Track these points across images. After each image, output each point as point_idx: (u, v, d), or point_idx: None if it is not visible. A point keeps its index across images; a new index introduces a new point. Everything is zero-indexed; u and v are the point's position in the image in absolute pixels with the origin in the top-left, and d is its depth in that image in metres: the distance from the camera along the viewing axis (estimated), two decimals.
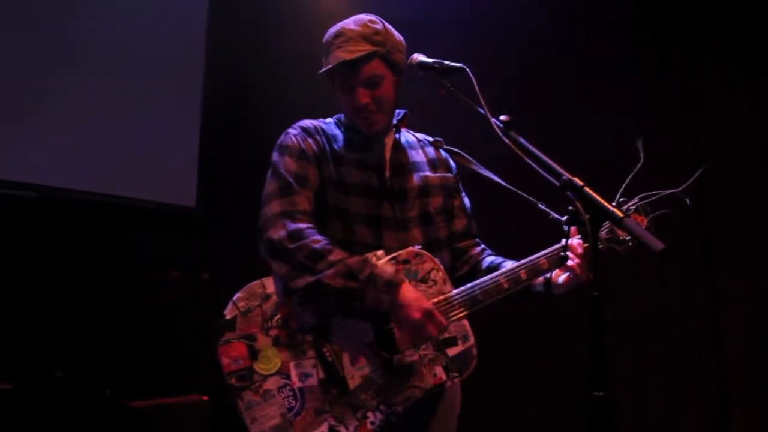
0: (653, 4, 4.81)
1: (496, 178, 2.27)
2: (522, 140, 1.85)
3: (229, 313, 2.09)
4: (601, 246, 2.09)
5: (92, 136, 3.80)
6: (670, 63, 4.82)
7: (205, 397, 3.48)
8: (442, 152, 2.45)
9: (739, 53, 4.68)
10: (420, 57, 2.23)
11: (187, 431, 3.44)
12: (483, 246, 2.44)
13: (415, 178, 2.31)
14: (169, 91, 4.11)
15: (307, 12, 4.41)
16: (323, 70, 2.23)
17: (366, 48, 2.17)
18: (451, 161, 2.45)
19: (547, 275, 2.18)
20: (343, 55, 2.16)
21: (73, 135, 3.74)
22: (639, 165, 2.04)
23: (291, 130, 2.28)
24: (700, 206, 4.56)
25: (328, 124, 2.34)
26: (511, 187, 2.18)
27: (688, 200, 2.06)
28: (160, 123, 4.04)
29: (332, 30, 2.26)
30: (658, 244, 1.44)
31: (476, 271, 2.31)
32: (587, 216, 1.61)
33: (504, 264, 2.26)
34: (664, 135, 4.58)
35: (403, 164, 2.32)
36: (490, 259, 2.35)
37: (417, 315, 1.99)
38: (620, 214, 1.54)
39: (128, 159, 3.88)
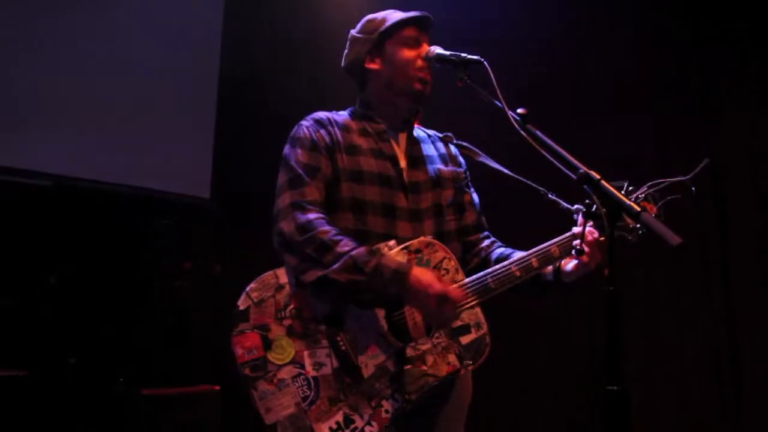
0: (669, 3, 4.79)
1: (506, 170, 2.28)
2: (539, 133, 1.85)
3: (242, 303, 2.10)
4: (582, 261, 2.10)
5: (109, 127, 3.84)
6: (687, 61, 4.80)
7: (217, 387, 3.50)
8: (452, 148, 2.47)
9: (757, 52, 4.64)
10: (437, 49, 2.25)
11: (198, 420, 3.46)
12: (493, 239, 2.45)
13: (429, 170, 2.33)
14: (185, 85, 4.15)
15: (322, 7, 4.42)
16: (405, 16, 2.30)
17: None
18: (461, 157, 2.47)
19: (557, 264, 2.19)
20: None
21: (91, 126, 3.79)
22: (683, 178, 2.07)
23: (304, 122, 2.29)
24: (716, 199, 4.53)
25: (342, 115, 2.36)
26: (520, 178, 2.19)
27: (693, 188, 2.06)
28: (175, 116, 4.08)
29: (379, 14, 2.37)
30: (675, 239, 1.43)
31: (486, 263, 2.32)
32: (604, 210, 1.61)
33: (513, 254, 2.27)
34: (680, 132, 4.57)
35: (417, 156, 2.34)
36: (499, 250, 2.36)
37: (432, 301, 1.98)
38: (638, 209, 1.53)
39: (144, 150, 3.93)
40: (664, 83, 4.73)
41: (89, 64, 3.79)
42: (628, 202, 1.56)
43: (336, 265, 2.00)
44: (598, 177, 1.65)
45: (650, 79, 4.72)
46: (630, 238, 2.12)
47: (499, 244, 2.42)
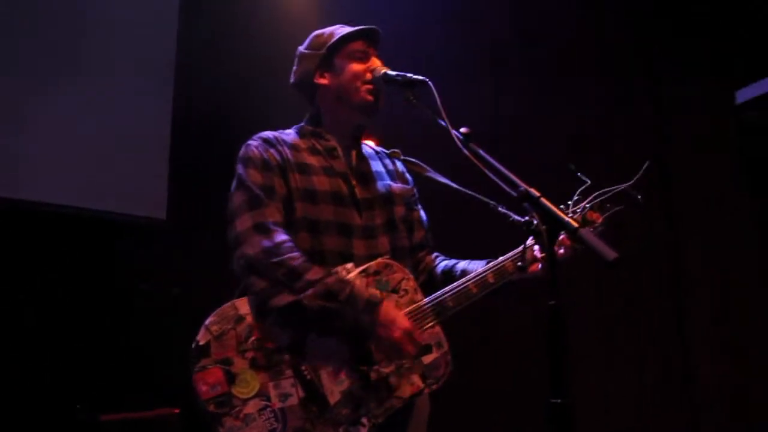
0: (627, 11, 4.90)
1: (454, 184, 2.30)
2: (481, 152, 1.89)
3: (202, 338, 2.06)
4: (563, 251, 2.14)
5: (62, 148, 3.79)
6: (636, 63, 4.89)
7: (177, 410, 3.47)
8: (399, 165, 2.49)
9: (707, 54, 4.74)
10: (384, 70, 2.28)
11: None
12: (436, 253, 2.49)
13: (380, 187, 2.35)
14: (139, 104, 4.12)
15: (277, 21, 4.42)
16: (353, 30, 2.33)
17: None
18: (407, 174, 2.50)
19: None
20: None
21: (43, 148, 3.74)
22: (586, 185, 2.12)
23: (251, 142, 2.28)
24: (665, 211, 4.62)
25: (289, 134, 2.36)
26: (469, 192, 2.21)
27: (639, 196, 2.12)
28: (130, 136, 4.04)
29: (326, 29, 2.39)
30: (610, 254, 1.47)
31: (433, 278, 2.37)
32: (543, 227, 1.64)
33: (457, 265, 2.33)
34: (629, 136, 4.66)
35: (367, 173, 2.36)
36: (443, 263, 2.41)
37: (397, 334, 2.02)
38: (575, 225, 1.56)
39: (98, 171, 3.88)
40: (613, 83, 4.83)
41: (40, 80, 3.75)
42: (566, 218, 1.59)
43: (309, 291, 2.00)
44: (537, 194, 1.68)
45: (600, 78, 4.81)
46: (579, 248, 2.14)
47: (442, 257, 2.46)
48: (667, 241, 4.67)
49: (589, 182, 2.20)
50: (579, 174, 2.20)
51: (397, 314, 2.06)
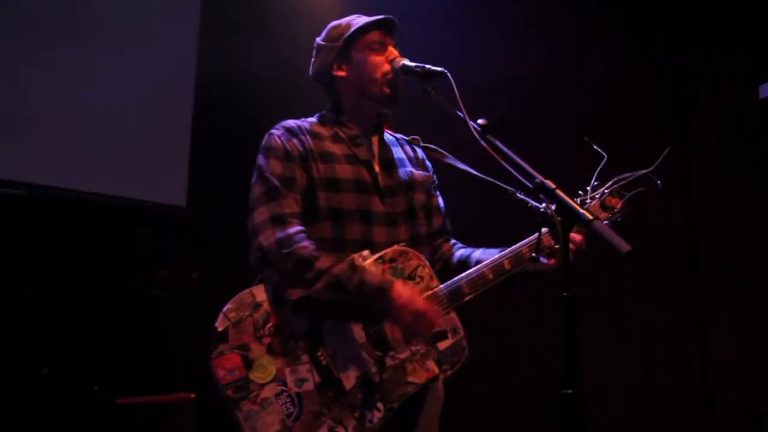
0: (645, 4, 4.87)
1: (473, 171, 2.30)
2: (498, 143, 1.89)
3: (220, 325, 2.09)
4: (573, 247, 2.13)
5: (84, 135, 3.82)
6: (659, 63, 4.87)
7: (192, 395, 3.50)
8: (419, 152, 2.50)
9: (726, 54, 4.71)
10: (404, 61, 2.27)
11: (174, 428, 3.46)
12: (453, 241, 2.50)
13: (402, 174, 2.35)
14: (160, 91, 4.13)
15: (299, 11, 4.43)
16: (369, 21, 2.31)
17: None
18: (428, 161, 2.50)
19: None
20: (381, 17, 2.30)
21: (65, 134, 3.77)
22: (604, 160, 2.10)
23: (274, 131, 2.28)
24: (685, 207, 4.60)
25: (311, 122, 2.36)
26: (488, 178, 2.20)
27: (659, 181, 2.12)
28: (151, 123, 4.06)
29: (343, 20, 2.38)
30: (624, 246, 1.47)
31: (448, 266, 2.38)
32: (559, 218, 1.64)
33: (473, 254, 2.33)
34: (652, 134, 4.64)
35: (390, 159, 2.37)
36: (460, 252, 2.41)
37: (410, 317, 2.03)
38: (590, 217, 1.57)
39: (119, 158, 3.91)
40: (636, 82, 4.80)
41: (63, 72, 3.78)
42: (581, 210, 1.60)
43: (318, 285, 2.02)
44: (553, 186, 1.69)
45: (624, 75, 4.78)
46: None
47: (459, 245, 2.47)
48: (683, 233, 4.64)
49: (606, 156, 2.17)
50: (595, 147, 2.19)
51: (411, 295, 2.06)
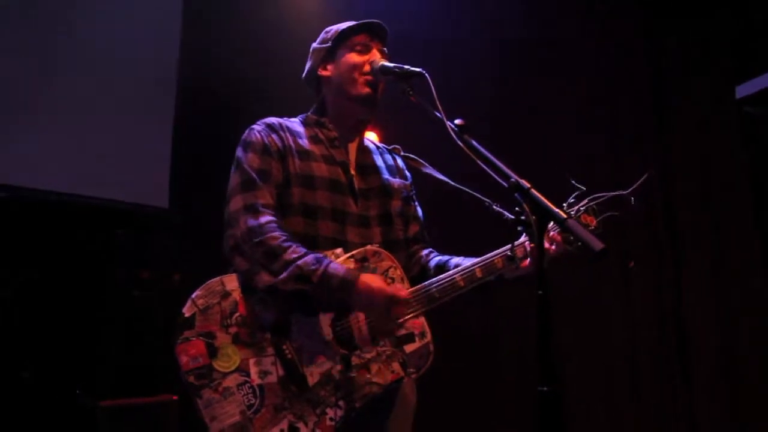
0: (630, 9, 4.90)
1: (450, 181, 2.32)
2: (475, 143, 1.91)
3: (187, 311, 2.10)
4: (555, 247, 2.15)
5: (65, 137, 3.81)
6: (641, 71, 4.90)
7: (175, 397, 3.49)
8: (399, 161, 2.53)
9: (708, 63, 4.75)
10: (382, 62, 2.29)
11: (157, 430, 3.45)
12: (430, 249, 2.51)
13: (378, 180, 2.38)
14: (142, 93, 4.13)
15: (281, 14, 4.44)
16: (355, 23, 2.34)
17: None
18: (407, 171, 2.53)
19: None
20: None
21: (46, 136, 3.75)
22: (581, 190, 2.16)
23: (255, 127, 2.32)
24: (666, 214, 4.63)
25: (293, 121, 2.39)
26: (465, 189, 2.22)
27: (632, 200, 2.14)
28: (133, 125, 4.05)
29: (338, 25, 2.40)
30: (598, 244, 1.49)
31: (425, 272, 2.38)
32: (533, 217, 1.66)
33: (450, 261, 2.33)
34: (633, 145, 4.67)
35: (367, 165, 2.39)
36: (437, 259, 2.42)
37: (381, 300, 2.04)
38: (564, 215, 1.58)
39: (101, 160, 3.89)
40: (617, 94, 4.84)
41: (42, 68, 3.76)
42: (555, 209, 1.61)
43: (283, 275, 2.03)
44: (528, 186, 1.71)
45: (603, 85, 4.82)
46: (570, 249, 2.15)
47: (436, 253, 2.48)
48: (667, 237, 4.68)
49: (585, 189, 2.20)
50: (573, 183, 2.21)
51: (377, 283, 2.06)
